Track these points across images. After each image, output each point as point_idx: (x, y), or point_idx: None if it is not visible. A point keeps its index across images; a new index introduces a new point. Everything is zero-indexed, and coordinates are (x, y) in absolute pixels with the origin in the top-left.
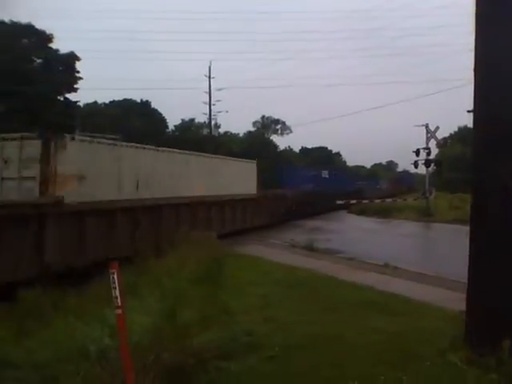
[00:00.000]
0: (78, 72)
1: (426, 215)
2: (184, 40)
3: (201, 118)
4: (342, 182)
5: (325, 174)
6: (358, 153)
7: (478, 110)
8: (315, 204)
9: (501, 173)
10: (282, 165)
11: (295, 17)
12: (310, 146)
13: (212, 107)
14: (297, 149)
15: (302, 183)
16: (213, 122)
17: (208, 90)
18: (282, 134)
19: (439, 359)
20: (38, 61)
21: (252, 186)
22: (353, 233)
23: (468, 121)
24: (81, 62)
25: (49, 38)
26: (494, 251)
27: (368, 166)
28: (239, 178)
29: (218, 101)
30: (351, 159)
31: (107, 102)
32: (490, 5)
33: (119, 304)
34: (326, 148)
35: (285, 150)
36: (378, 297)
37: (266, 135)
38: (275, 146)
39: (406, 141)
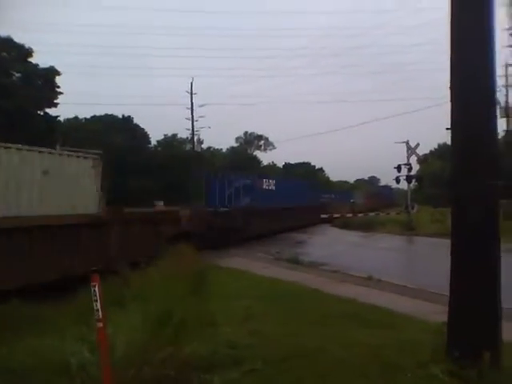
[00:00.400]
0: (59, 87)
1: (408, 229)
2: (167, 56)
3: (183, 134)
4: (299, 196)
5: (269, 184)
6: (342, 169)
7: (454, 128)
8: (238, 228)
9: (478, 188)
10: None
11: (280, 34)
12: (293, 162)
13: (195, 123)
14: (280, 165)
15: (235, 197)
16: (195, 138)
17: (190, 106)
18: (265, 149)
19: (421, 371)
20: (18, 75)
21: (87, 201)
22: (336, 246)
23: (447, 138)
24: (61, 76)
25: (28, 52)
26: (473, 264)
27: (351, 181)
28: (49, 185)
29: (201, 117)
30: (335, 175)
31: (88, 117)
32: (462, 22)
33: (100, 317)
34: (310, 164)
35: (268, 166)
36: (361, 309)
37: (249, 151)
38: (258, 162)
39: (389, 157)
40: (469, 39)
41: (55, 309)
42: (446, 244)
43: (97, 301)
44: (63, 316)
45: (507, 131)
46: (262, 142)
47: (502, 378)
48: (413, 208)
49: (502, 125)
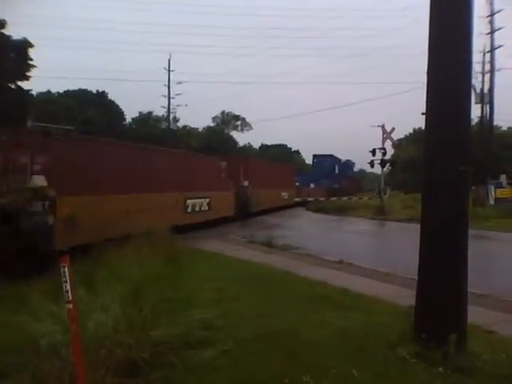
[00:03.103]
0: (31, 59)
1: (380, 214)
2: (145, 32)
3: (159, 112)
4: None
5: None
6: (318, 152)
7: (429, 113)
8: None
9: (449, 174)
10: None
11: (259, 13)
12: (269, 144)
13: (171, 100)
14: (257, 146)
15: None
16: (172, 116)
17: (167, 83)
18: (242, 130)
19: (389, 353)
20: None
21: None
22: (310, 230)
23: (422, 123)
24: (34, 49)
25: (1, 24)
26: (441, 249)
27: None
28: None
29: (178, 94)
30: (310, 157)
31: (61, 91)
32: (442, 8)
33: (70, 298)
34: (286, 145)
35: (244, 147)
36: (332, 292)
37: (225, 131)
38: (235, 142)
39: (364, 141)
40: (446, 26)
41: (34, 285)
42: (416, 229)
43: (66, 282)
44: (42, 293)
45: (481, 117)
46: (239, 123)
47: (467, 360)
48: (385, 193)
49: (476, 111)
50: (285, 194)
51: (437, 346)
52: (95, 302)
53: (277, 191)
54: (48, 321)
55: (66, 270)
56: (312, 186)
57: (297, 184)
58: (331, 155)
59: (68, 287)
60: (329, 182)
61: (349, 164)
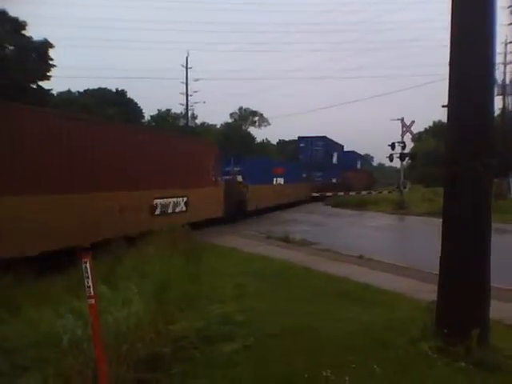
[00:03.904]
0: (52, 60)
1: (400, 208)
2: (161, 30)
3: (177, 109)
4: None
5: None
6: None
7: (451, 106)
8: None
9: (472, 166)
10: None
11: (276, 9)
12: (287, 139)
13: (189, 98)
14: (274, 141)
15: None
16: (190, 113)
17: (185, 81)
18: (259, 126)
19: (411, 348)
20: (11, 48)
21: None
22: (328, 224)
23: (442, 116)
24: (54, 49)
25: (22, 25)
26: (463, 243)
27: None
28: None
29: (196, 91)
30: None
31: (81, 90)
32: (465, 4)
33: (92, 294)
34: None
35: (262, 143)
36: (353, 287)
37: (243, 127)
38: (253, 138)
39: (383, 134)
40: (469, 18)
41: (57, 281)
42: (437, 223)
43: (88, 277)
44: (64, 289)
45: (503, 109)
46: (257, 118)
47: (489, 355)
48: (405, 187)
49: (498, 102)
50: (173, 202)
51: (459, 341)
52: (117, 297)
53: (138, 197)
54: (70, 316)
55: (88, 265)
56: (279, 180)
57: (240, 180)
58: (324, 137)
59: (90, 283)
60: (323, 175)
61: (358, 154)
